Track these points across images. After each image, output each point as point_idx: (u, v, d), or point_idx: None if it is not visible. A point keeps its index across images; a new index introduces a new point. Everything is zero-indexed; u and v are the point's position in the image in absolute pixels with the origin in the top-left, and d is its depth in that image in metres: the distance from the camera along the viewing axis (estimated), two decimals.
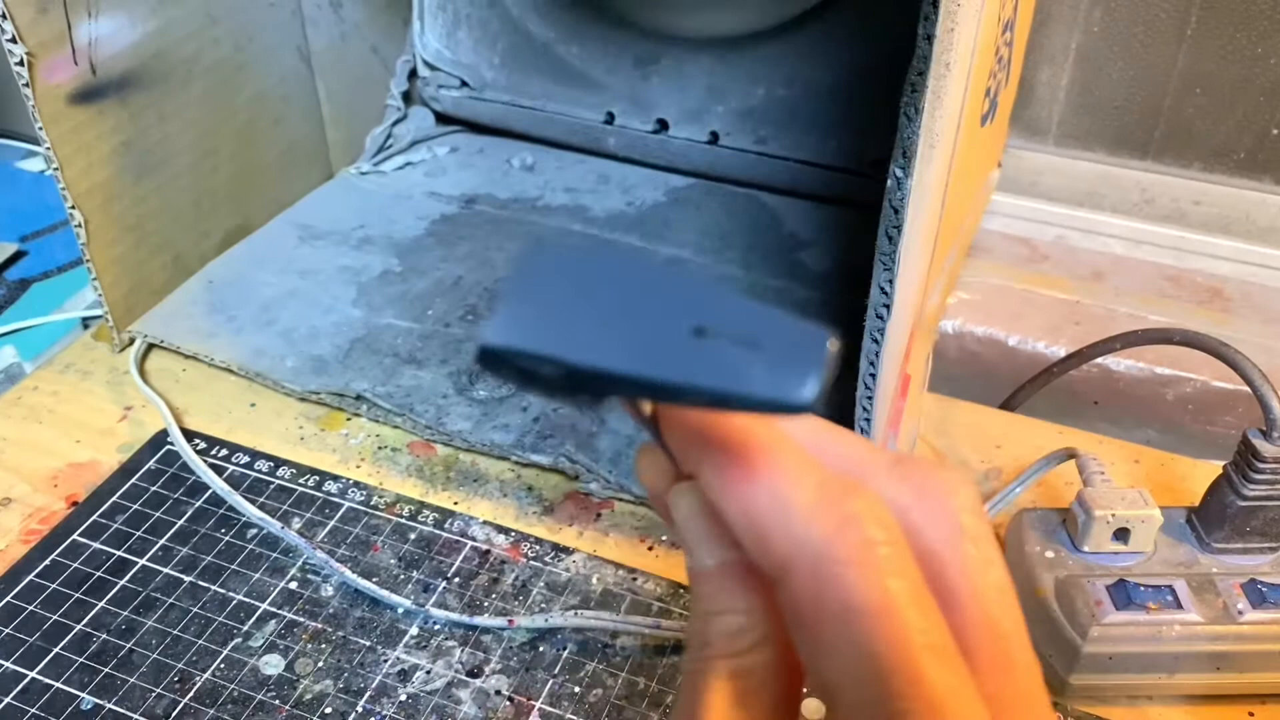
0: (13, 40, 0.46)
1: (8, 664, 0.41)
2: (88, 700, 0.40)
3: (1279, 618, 0.38)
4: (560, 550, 0.45)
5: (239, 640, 0.42)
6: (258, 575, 0.44)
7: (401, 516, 0.47)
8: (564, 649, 0.41)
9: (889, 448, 0.42)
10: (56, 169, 0.50)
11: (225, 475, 0.48)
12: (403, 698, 0.40)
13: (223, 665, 0.41)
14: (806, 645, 0.18)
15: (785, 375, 0.17)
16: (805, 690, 0.18)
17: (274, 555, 0.45)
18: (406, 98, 0.71)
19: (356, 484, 0.48)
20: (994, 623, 0.19)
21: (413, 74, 0.71)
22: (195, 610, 0.43)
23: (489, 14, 0.68)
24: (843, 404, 0.42)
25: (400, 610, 0.43)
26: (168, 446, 0.50)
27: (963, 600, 0.19)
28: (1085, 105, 0.62)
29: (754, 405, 0.17)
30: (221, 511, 0.47)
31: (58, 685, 0.40)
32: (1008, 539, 0.43)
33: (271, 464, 0.49)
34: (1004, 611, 0.19)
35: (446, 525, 0.46)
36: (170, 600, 0.43)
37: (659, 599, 0.43)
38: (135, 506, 0.47)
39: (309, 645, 0.42)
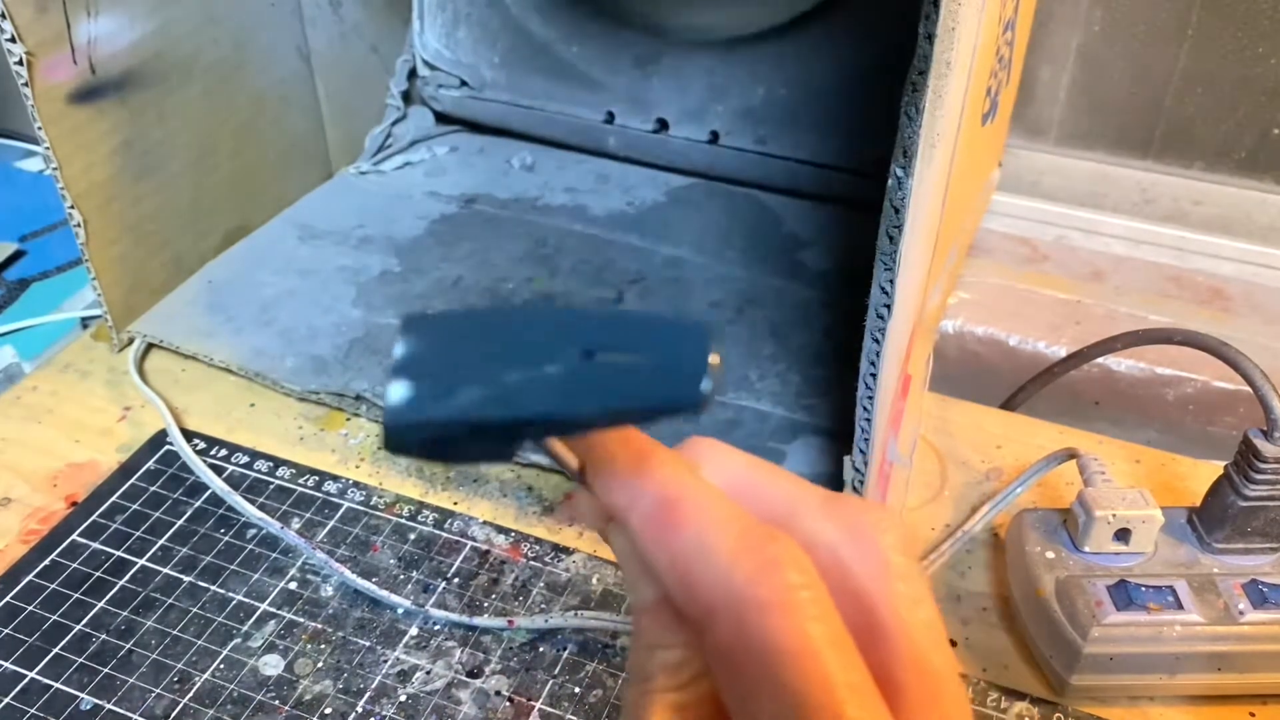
0: (12, 40, 0.46)
1: (7, 664, 0.41)
2: (87, 700, 0.39)
3: (1279, 618, 0.38)
4: (560, 550, 0.45)
5: (239, 640, 0.42)
6: (257, 575, 0.44)
7: (401, 516, 0.47)
8: (564, 649, 0.41)
9: (890, 448, 0.42)
10: (56, 169, 0.50)
11: (225, 475, 0.48)
12: (403, 698, 0.40)
13: (222, 665, 0.41)
14: (731, 688, 0.19)
15: (676, 376, 0.18)
16: None
17: (274, 555, 0.45)
18: (406, 97, 0.71)
19: (356, 484, 0.48)
20: (923, 659, 0.19)
21: (412, 74, 0.71)
22: (195, 610, 0.43)
23: (489, 13, 0.68)
24: (844, 404, 0.42)
25: (400, 610, 0.43)
26: (167, 446, 0.50)
27: (892, 637, 0.19)
28: (1086, 105, 0.62)
29: (653, 413, 0.18)
30: (221, 511, 0.47)
31: (57, 685, 0.40)
32: (1008, 539, 0.43)
33: (271, 464, 0.49)
34: (933, 647, 0.19)
35: (446, 525, 0.46)
36: (170, 600, 0.43)
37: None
38: (135, 506, 0.47)
39: (309, 645, 0.41)
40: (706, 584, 0.19)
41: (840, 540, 0.20)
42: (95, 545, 0.45)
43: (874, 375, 0.39)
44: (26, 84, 0.47)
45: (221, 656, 0.41)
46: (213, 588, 0.44)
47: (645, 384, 0.18)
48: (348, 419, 0.52)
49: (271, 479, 0.48)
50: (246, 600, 0.43)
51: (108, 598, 0.43)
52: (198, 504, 0.47)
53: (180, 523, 0.46)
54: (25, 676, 0.40)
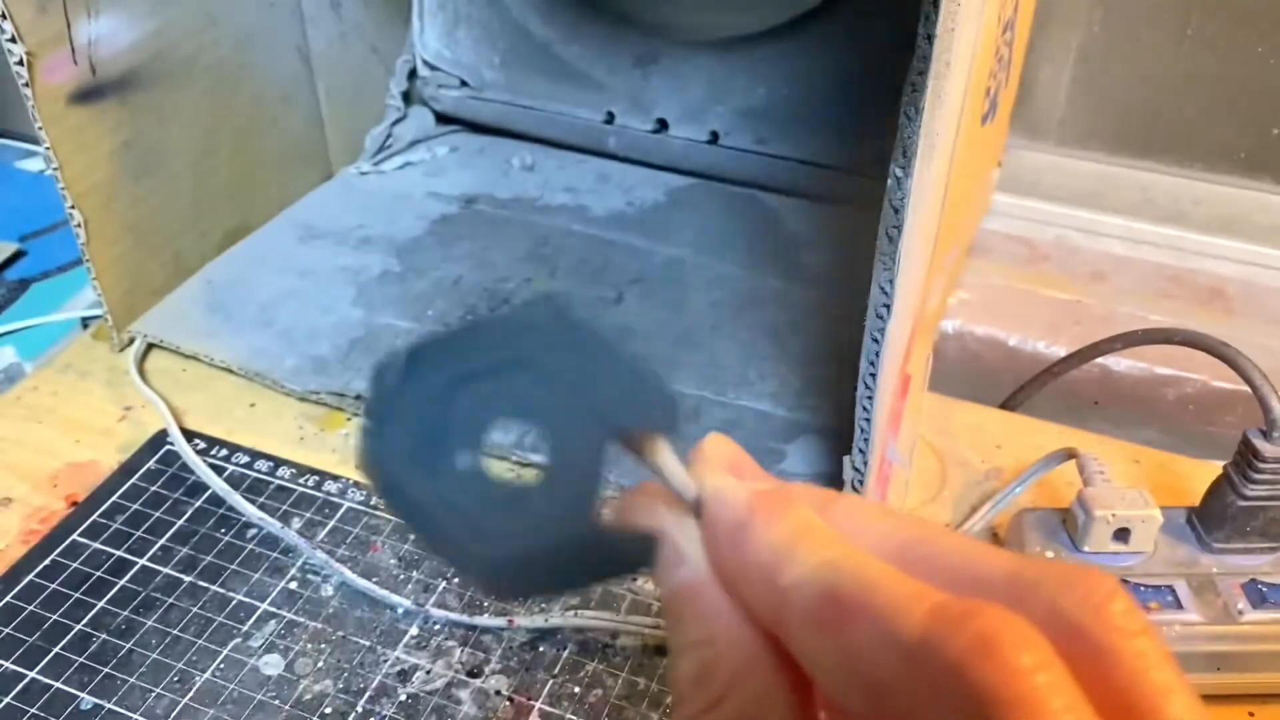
0: (12, 40, 0.46)
1: (7, 664, 0.41)
2: (87, 700, 0.39)
3: (1279, 618, 0.38)
4: None
5: (239, 640, 0.42)
6: (258, 575, 0.44)
7: None
8: (564, 649, 0.41)
9: (889, 448, 0.42)
10: (56, 169, 0.50)
11: (225, 475, 0.48)
12: (403, 698, 0.40)
13: (222, 665, 0.41)
14: None
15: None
16: None
17: (274, 555, 0.45)
18: (406, 97, 0.71)
19: (356, 484, 0.48)
20: None
21: (412, 74, 0.71)
22: (195, 610, 0.43)
23: (489, 13, 0.68)
24: (844, 404, 0.42)
25: (400, 610, 0.43)
26: (167, 446, 0.50)
27: None
28: (1086, 105, 0.62)
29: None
30: (221, 511, 0.47)
31: (57, 685, 0.40)
32: (1008, 539, 0.43)
33: (271, 464, 0.49)
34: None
35: None
36: (170, 600, 0.43)
37: (659, 599, 0.43)
38: (135, 506, 0.47)
39: (309, 645, 0.41)
40: (898, 681, 0.15)
41: (1060, 616, 0.15)
42: (95, 545, 0.45)
43: (873, 375, 0.39)
44: (27, 84, 0.47)
45: (221, 656, 0.41)
46: (213, 587, 0.44)
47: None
48: (348, 419, 0.52)
49: (272, 479, 0.48)
50: (247, 600, 0.43)
51: (108, 597, 0.43)
52: (198, 504, 0.47)
53: (180, 523, 0.46)
54: (25, 676, 0.40)
